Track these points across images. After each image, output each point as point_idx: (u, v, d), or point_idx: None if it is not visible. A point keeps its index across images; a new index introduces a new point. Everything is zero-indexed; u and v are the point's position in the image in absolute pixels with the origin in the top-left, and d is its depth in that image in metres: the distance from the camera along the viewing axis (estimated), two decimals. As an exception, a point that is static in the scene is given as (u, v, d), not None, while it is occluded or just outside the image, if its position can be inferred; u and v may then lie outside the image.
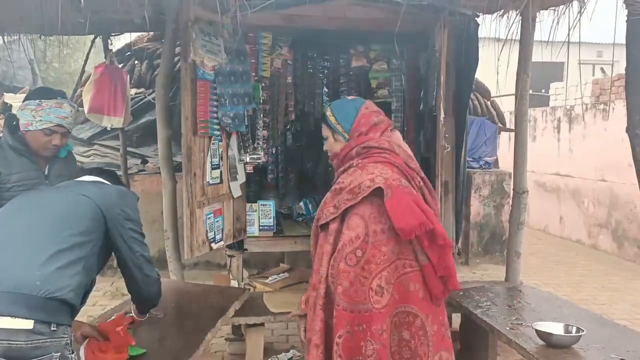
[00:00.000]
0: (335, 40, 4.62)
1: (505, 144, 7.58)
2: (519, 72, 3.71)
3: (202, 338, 2.31)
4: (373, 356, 1.84)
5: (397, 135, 2.16)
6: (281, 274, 4.23)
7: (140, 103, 6.26)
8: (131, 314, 2.32)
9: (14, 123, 2.45)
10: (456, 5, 3.44)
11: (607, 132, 7.19)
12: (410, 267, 1.94)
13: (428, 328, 1.95)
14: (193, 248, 3.28)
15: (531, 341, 2.50)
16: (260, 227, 3.92)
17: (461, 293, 3.29)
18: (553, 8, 3.21)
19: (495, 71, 3.36)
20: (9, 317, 1.59)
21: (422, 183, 2.06)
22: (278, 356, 3.66)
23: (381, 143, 2.03)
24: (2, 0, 3.02)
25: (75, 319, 1.86)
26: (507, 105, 7.37)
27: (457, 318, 3.57)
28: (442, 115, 3.59)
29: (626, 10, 2.54)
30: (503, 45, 3.28)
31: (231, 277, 3.87)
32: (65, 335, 1.70)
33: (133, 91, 6.10)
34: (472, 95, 6.47)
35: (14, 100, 6.83)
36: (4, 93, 7.66)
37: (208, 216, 3.41)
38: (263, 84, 4.12)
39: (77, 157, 5.08)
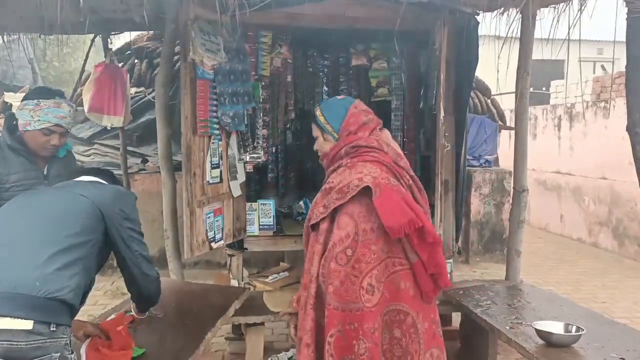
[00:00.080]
0: (335, 39, 4.61)
1: (505, 142, 7.57)
2: (519, 70, 3.71)
3: (202, 337, 2.31)
4: (365, 355, 1.84)
5: (387, 134, 2.16)
6: (281, 273, 4.23)
7: (140, 102, 6.26)
8: (131, 313, 2.33)
9: (14, 123, 2.44)
10: (456, 3, 3.44)
11: (607, 130, 7.18)
12: (401, 265, 1.94)
13: (419, 326, 1.96)
14: (193, 247, 3.28)
15: (531, 340, 2.50)
16: (260, 227, 3.92)
17: (461, 292, 3.29)
18: (553, 6, 3.21)
19: (496, 69, 3.35)
20: (9, 318, 1.59)
21: (411, 181, 2.05)
22: (278, 355, 3.65)
23: (370, 142, 2.03)
24: (2, 0, 3.01)
25: (76, 318, 1.86)
26: (507, 103, 7.33)
27: (457, 317, 3.57)
28: (442, 113, 3.59)
29: (626, 8, 2.54)
30: (503, 43, 3.27)
31: (231, 276, 3.87)
32: (65, 336, 1.70)
33: (133, 90, 6.09)
34: (472, 94, 6.47)
35: (14, 99, 6.83)
36: (4, 92, 7.66)
37: (208, 215, 3.41)
38: (263, 83, 4.12)
39: (78, 157, 5.10)
